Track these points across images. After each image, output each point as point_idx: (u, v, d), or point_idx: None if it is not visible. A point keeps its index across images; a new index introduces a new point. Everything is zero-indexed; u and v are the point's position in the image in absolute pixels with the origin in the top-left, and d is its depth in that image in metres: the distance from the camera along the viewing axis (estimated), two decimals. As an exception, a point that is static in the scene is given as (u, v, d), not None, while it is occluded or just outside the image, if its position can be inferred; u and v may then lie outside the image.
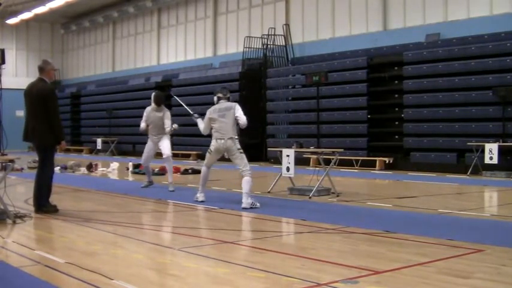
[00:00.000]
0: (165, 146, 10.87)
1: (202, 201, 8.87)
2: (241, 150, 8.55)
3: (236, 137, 8.59)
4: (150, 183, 11.39)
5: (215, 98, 8.85)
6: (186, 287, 4.31)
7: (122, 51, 31.60)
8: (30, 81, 8.06)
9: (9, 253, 5.37)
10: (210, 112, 8.71)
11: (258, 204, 8.27)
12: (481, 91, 14.73)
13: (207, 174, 9.00)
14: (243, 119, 8.55)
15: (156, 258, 5.20)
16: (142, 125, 11.21)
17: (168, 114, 10.89)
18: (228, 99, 8.82)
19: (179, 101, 11.15)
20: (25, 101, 7.86)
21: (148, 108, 11.06)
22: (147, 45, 29.55)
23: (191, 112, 9.79)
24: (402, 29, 18.18)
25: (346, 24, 19.91)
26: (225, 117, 8.53)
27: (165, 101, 11.25)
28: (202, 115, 9.18)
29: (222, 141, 8.50)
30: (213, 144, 8.65)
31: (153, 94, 11.14)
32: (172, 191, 10.44)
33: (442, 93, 15.56)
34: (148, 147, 11.12)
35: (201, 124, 9.01)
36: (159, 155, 11.41)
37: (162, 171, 13.78)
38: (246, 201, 8.21)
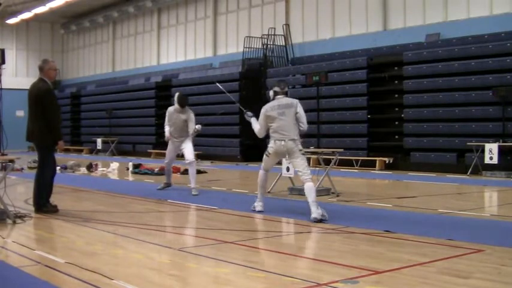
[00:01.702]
0: (189, 150, 10.31)
1: (260, 211, 7.88)
2: (303, 152, 7.63)
3: (298, 137, 7.57)
4: (168, 185, 10.82)
5: (271, 93, 7.79)
6: (186, 287, 4.31)
7: (122, 51, 31.60)
8: (30, 81, 8.08)
9: (9, 253, 5.38)
10: (267, 110, 7.61)
11: (327, 216, 7.19)
12: (481, 91, 14.71)
13: (264, 178, 8.00)
14: (305, 124, 7.56)
15: (156, 258, 5.20)
16: (167, 129, 10.47)
17: (192, 116, 10.25)
18: (287, 94, 7.76)
19: (228, 94, 10.08)
20: (27, 101, 7.88)
21: (170, 109, 10.44)
22: (147, 45, 29.55)
23: (244, 110, 8.51)
24: (402, 29, 18.18)
25: (346, 24, 19.91)
26: (285, 115, 7.47)
27: (188, 101, 10.47)
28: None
29: (283, 142, 7.47)
30: (272, 146, 7.63)
31: (176, 95, 10.48)
32: (196, 195, 9.95)
33: (442, 93, 15.55)
34: (170, 150, 10.56)
35: (256, 124, 7.92)
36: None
37: (162, 171, 13.75)
38: (316, 211, 7.10)
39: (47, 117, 7.64)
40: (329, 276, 4.37)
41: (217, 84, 11.05)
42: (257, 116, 7.99)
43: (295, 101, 7.64)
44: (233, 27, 24.41)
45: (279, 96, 7.68)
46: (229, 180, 12.89)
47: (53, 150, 7.94)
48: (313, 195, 7.28)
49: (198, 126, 10.27)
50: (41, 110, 7.63)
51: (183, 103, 10.29)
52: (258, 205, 8.01)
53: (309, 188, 7.31)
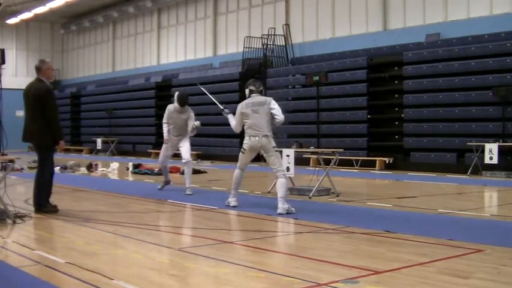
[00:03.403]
0: (186, 149, 10.25)
1: (234, 206, 8.30)
2: (277, 149, 8.09)
3: (271, 133, 8.01)
4: (167, 183, 10.79)
5: (247, 91, 8.20)
6: (186, 287, 4.31)
7: (122, 51, 31.60)
8: (30, 81, 8.06)
9: (9, 253, 5.37)
10: (242, 107, 8.08)
11: (294, 209, 7.76)
12: (481, 91, 14.72)
13: (240, 177, 8.37)
14: (280, 116, 7.96)
15: (156, 258, 5.20)
16: (166, 130, 10.32)
17: (192, 115, 10.16)
18: (261, 93, 8.19)
19: (208, 94, 10.19)
20: (24, 101, 7.86)
21: (170, 108, 10.28)
22: (147, 45, 29.55)
23: (221, 107, 8.89)
24: (402, 29, 18.18)
25: (346, 24, 19.91)
26: (259, 112, 7.90)
27: (188, 100, 10.29)
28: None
29: (257, 138, 7.90)
30: (247, 142, 8.05)
31: (176, 94, 10.30)
32: (190, 194, 9.99)
33: (442, 93, 15.56)
34: (166, 147, 10.44)
35: (233, 120, 8.34)
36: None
37: (162, 171, 13.74)
38: (282, 207, 7.67)
39: (48, 117, 7.63)
40: (329, 276, 4.37)
41: (199, 85, 11.25)
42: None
43: (269, 99, 8.08)
44: (233, 27, 24.41)
45: (253, 95, 8.14)
46: (229, 180, 12.83)
47: (53, 150, 7.93)
48: (282, 192, 7.75)
49: (197, 123, 10.14)
50: (41, 110, 7.62)
51: (184, 102, 10.13)
52: (232, 200, 8.40)
53: (280, 184, 7.82)
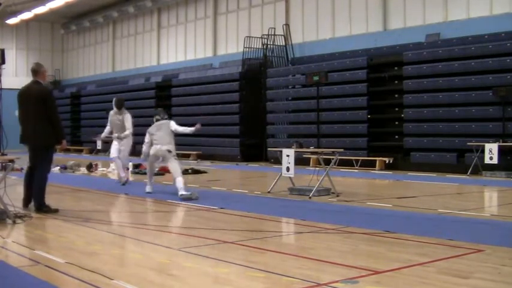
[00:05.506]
0: (114, 148, 11.94)
1: (149, 193, 10.13)
2: (176, 157, 10.03)
3: (172, 146, 10.05)
4: (124, 177, 12.12)
5: (154, 120, 10.46)
6: (186, 287, 4.31)
7: (122, 51, 31.60)
8: (30, 81, 8.07)
9: (9, 253, 5.37)
10: (150, 129, 10.34)
11: (198, 196, 9.41)
12: (481, 91, 14.72)
13: (151, 170, 10.64)
14: (177, 128, 10.21)
15: (156, 258, 5.20)
16: (107, 128, 12.10)
17: (128, 116, 11.85)
18: (166, 119, 10.49)
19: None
20: (20, 103, 7.87)
21: (111, 112, 11.98)
22: (147, 45, 29.54)
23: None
24: (402, 29, 18.18)
25: (346, 24, 19.91)
26: (161, 130, 10.13)
27: (124, 104, 12.16)
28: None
29: (159, 146, 10.01)
30: (152, 149, 10.15)
31: (114, 99, 12.12)
32: (123, 184, 11.59)
33: (442, 93, 15.55)
34: (114, 148, 12.10)
35: (146, 143, 10.41)
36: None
37: (162, 172, 13.78)
38: (183, 191, 9.37)
39: (51, 117, 7.68)
40: (329, 276, 4.37)
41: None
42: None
43: (168, 121, 10.30)
44: (233, 27, 24.40)
45: (159, 122, 10.30)
46: (229, 180, 12.87)
47: (53, 150, 7.95)
48: (180, 185, 9.44)
49: (127, 131, 11.90)
50: (44, 111, 7.64)
51: (120, 106, 11.83)
52: (148, 187, 10.35)
53: (178, 181, 9.54)
